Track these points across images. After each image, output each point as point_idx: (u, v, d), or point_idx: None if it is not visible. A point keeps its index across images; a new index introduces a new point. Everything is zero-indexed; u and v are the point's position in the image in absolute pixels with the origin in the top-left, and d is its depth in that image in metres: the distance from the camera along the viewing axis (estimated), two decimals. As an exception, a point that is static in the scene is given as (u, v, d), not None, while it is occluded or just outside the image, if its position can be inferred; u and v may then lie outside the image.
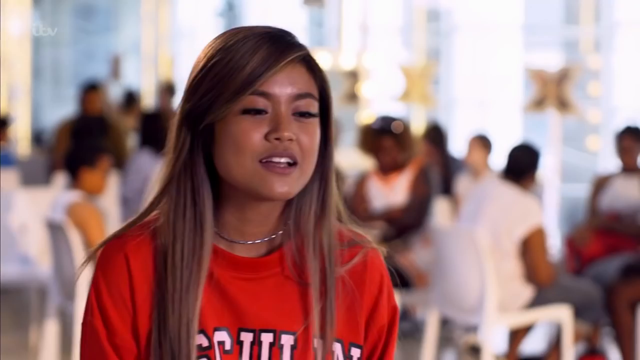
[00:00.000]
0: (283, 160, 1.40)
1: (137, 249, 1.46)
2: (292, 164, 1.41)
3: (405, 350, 5.67)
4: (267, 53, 1.41)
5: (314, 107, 1.44)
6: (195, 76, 1.44)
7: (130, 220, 1.52)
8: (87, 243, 4.67)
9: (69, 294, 4.76)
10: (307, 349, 1.46)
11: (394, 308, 1.55)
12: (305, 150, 1.42)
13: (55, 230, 4.78)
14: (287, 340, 1.46)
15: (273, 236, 1.48)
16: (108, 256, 1.47)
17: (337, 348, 1.48)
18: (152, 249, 1.46)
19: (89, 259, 1.50)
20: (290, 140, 1.40)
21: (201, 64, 1.44)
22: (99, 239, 4.62)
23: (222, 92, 1.40)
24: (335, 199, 1.50)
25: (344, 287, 1.49)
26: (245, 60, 1.40)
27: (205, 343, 1.44)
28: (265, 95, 1.41)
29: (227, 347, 1.45)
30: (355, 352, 1.50)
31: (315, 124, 1.44)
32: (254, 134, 1.40)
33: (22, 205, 5.67)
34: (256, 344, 1.45)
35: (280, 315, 1.46)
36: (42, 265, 5.53)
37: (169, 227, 1.44)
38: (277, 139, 1.40)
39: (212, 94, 1.41)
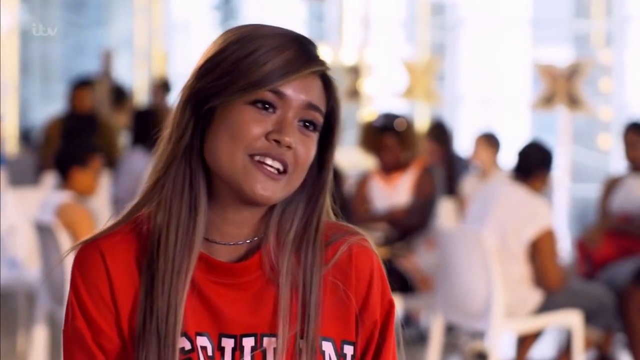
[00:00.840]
0: (275, 164, 1.42)
1: (114, 246, 1.47)
2: (282, 172, 1.43)
3: (409, 358, 5.66)
4: (293, 56, 1.43)
5: (319, 121, 1.46)
6: (212, 57, 1.45)
7: (127, 210, 1.51)
8: (77, 245, 4.67)
9: (58, 298, 4.76)
10: (290, 351, 1.47)
11: (389, 302, 1.54)
12: (299, 161, 1.44)
13: (44, 232, 4.78)
14: (269, 343, 1.47)
15: (255, 238, 1.50)
16: (83, 256, 1.48)
17: (328, 347, 1.49)
18: (134, 242, 1.47)
19: (65, 255, 1.52)
20: (289, 147, 1.42)
21: (221, 46, 1.45)
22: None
23: (237, 80, 1.42)
24: (324, 222, 1.51)
25: (329, 284, 1.50)
26: (269, 57, 1.42)
27: (188, 346, 1.45)
28: (278, 94, 1.42)
29: (209, 352, 1.46)
30: (349, 350, 1.50)
31: (314, 140, 1.46)
32: (255, 128, 1.42)
33: (10, 206, 5.67)
34: (238, 349, 1.47)
35: (260, 318, 1.48)
36: (31, 268, 5.53)
37: (166, 206, 1.45)
38: (276, 141, 1.42)
39: (227, 80, 1.42)
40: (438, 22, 11.33)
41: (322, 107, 1.46)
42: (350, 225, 1.55)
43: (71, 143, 5.21)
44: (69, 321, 1.47)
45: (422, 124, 9.04)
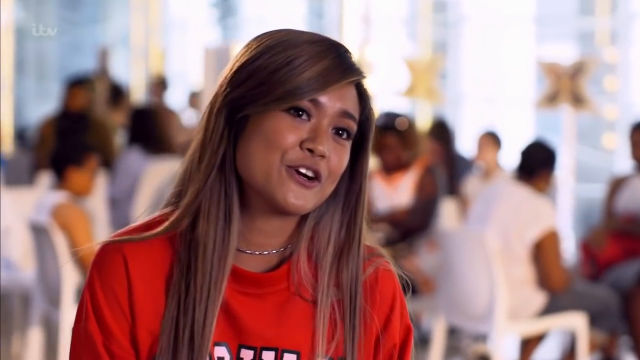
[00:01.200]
0: (309, 173, 1.42)
1: (137, 252, 1.46)
2: (314, 179, 1.43)
3: (410, 361, 5.66)
4: (331, 65, 1.43)
5: (353, 130, 1.46)
6: (247, 64, 1.45)
7: (157, 213, 1.50)
8: (72, 247, 4.67)
9: (54, 300, 4.76)
10: None
11: (407, 327, 1.55)
12: (332, 170, 1.44)
13: (39, 233, 4.78)
14: (289, 359, 1.47)
15: (281, 249, 1.50)
16: (104, 256, 1.47)
17: None
18: (160, 250, 1.46)
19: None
20: (322, 156, 1.42)
21: (256, 53, 1.45)
22: (85, 242, 4.62)
23: (274, 89, 1.42)
24: (364, 232, 1.53)
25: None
26: (307, 66, 1.42)
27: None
28: (314, 102, 1.43)
29: None
30: None
31: (347, 148, 1.46)
32: (290, 136, 1.42)
33: (5, 207, 5.67)
34: None
35: (283, 333, 1.47)
36: (26, 270, 5.53)
37: (204, 217, 1.44)
38: (310, 150, 1.42)
39: (264, 89, 1.42)
40: (440, 20, 11.33)
41: (357, 115, 1.47)
42: (373, 245, 1.56)
43: (67, 142, 5.21)
44: (81, 322, 1.45)
45: (423, 123, 9.04)
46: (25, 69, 15.07)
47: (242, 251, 1.48)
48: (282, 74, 1.42)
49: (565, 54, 9.36)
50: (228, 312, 1.46)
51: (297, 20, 12.77)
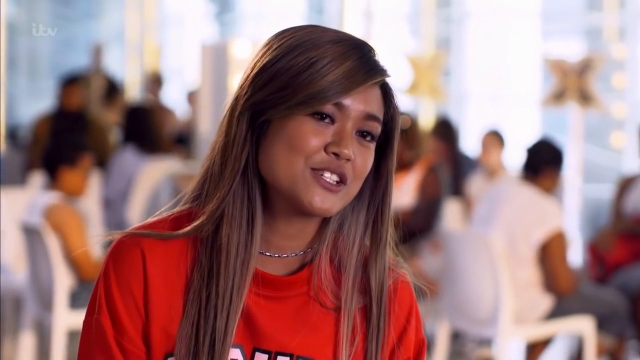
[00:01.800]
0: (334, 177, 1.43)
1: (156, 249, 1.46)
2: (340, 182, 1.44)
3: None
4: (355, 66, 1.43)
5: (377, 131, 1.47)
6: (268, 66, 1.44)
7: (169, 213, 1.51)
8: (66, 249, 4.67)
9: (46, 304, 4.76)
10: None
11: (421, 341, 1.57)
12: (357, 173, 1.45)
13: (31, 234, 4.78)
14: None
15: (302, 252, 1.51)
16: (122, 248, 1.47)
17: None
18: (179, 251, 1.47)
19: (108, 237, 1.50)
20: (348, 160, 1.43)
21: (277, 54, 1.45)
22: (79, 244, 4.63)
23: (298, 93, 1.42)
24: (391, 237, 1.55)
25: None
26: (331, 68, 1.42)
27: None
28: (338, 105, 1.43)
29: None
30: None
31: (372, 150, 1.47)
32: (314, 140, 1.42)
33: (-4, 208, 5.66)
34: None
35: (299, 338, 1.48)
36: (18, 272, 5.53)
37: (227, 222, 1.45)
38: (335, 154, 1.42)
39: (287, 92, 1.42)
40: (444, 15, 11.33)
41: (381, 116, 1.47)
42: (392, 257, 1.57)
43: (60, 141, 5.21)
44: (94, 314, 1.46)
45: (426, 122, 9.04)
46: (17, 66, 15.08)
47: (262, 253, 1.49)
48: (304, 77, 1.42)
49: (573, 51, 9.36)
50: (245, 315, 1.47)
51: (296, 16, 12.77)
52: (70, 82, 8.40)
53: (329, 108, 1.42)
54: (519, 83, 10.99)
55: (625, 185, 5.90)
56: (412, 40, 11.68)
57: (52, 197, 4.80)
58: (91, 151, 5.20)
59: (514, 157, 7.10)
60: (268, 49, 1.46)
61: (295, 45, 1.44)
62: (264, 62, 1.45)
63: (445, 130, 7.33)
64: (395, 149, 1.52)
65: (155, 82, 10.48)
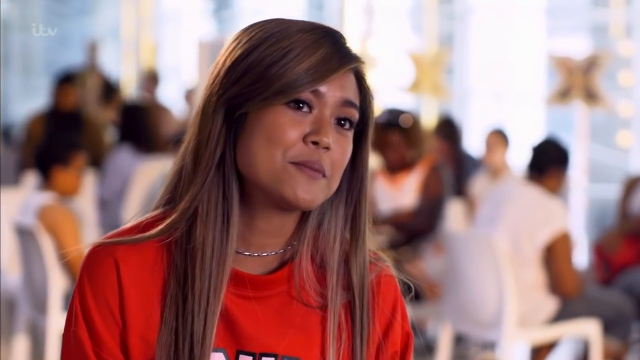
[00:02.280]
0: (314, 167, 1.43)
1: (130, 256, 1.46)
2: (321, 173, 1.44)
3: (414, 370, 5.66)
4: (328, 53, 1.44)
5: (355, 118, 1.48)
6: (240, 59, 1.45)
7: (145, 217, 1.51)
8: (60, 249, 4.67)
9: (40, 306, 4.76)
10: None
11: (407, 334, 1.57)
12: (335, 164, 1.45)
13: (25, 235, 4.78)
14: None
15: (281, 250, 1.50)
16: (95, 259, 1.47)
17: None
18: (153, 255, 1.47)
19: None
20: (327, 148, 1.43)
21: (249, 47, 1.45)
22: (73, 245, 4.62)
23: (273, 83, 1.42)
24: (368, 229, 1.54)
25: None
26: (304, 57, 1.43)
27: None
28: (314, 92, 1.44)
29: None
30: None
31: (350, 139, 1.48)
32: (292, 131, 1.43)
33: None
34: None
35: (282, 338, 1.48)
36: (11, 274, 5.53)
37: (202, 221, 1.45)
38: (315, 142, 1.43)
39: (261, 84, 1.43)
40: (446, 11, 11.33)
41: (357, 103, 1.48)
42: (374, 249, 1.57)
43: (53, 140, 5.20)
44: (71, 327, 1.46)
45: (429, 120, 9.05)
46: (11, 63, 15.08)
47: (241, 253, 1.48)
48: (279, 67, 1.42)
49: (578, 48, 9.36)
50: (226, 317, 1.46)
51: (295, 12, 12.77)
52: (65, 81, 8.40)
53: (306, 96, 1.43)
54: (524, 81, 10.99)
55: (631, 185, 5.90)
56: (414, 37, 11.68)
57: (45, 198, 4.80)
58: (86, 150, 5.20)
59: (518, 156, 7.10)
60: (237, 44, 1.46)
61: (266, 37, 1.45)
62: (235, 56, 1.45)
63: (448, 129, 7.33)
64: (369, 137, 1.53)
65: (151, 80, 10.47)
